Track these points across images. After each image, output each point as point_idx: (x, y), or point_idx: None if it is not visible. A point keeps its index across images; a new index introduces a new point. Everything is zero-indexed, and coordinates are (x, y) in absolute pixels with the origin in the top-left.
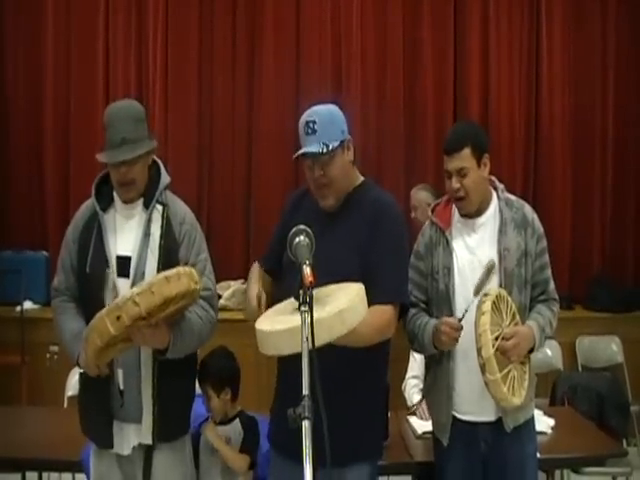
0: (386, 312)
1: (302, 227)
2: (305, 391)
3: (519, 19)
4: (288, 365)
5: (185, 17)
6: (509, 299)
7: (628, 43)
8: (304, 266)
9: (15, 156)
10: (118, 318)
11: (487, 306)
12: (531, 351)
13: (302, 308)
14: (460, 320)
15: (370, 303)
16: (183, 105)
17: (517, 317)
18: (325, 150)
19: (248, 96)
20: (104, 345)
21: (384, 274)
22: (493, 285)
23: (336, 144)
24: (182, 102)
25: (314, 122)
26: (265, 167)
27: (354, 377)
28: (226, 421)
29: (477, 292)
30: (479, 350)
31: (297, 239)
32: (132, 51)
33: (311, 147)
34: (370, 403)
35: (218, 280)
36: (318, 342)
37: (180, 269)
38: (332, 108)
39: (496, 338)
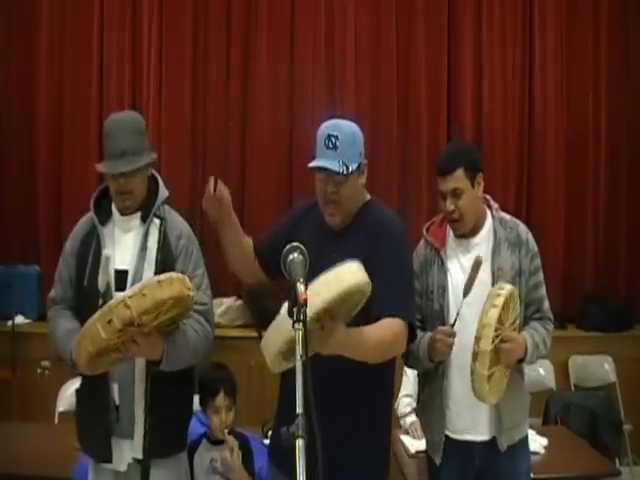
0: (395, 324)
1: (296, 244)
2: (299, 409)
3: (512, 31)
4: (289, 380)
5: (180, 17)
6: (517, 301)
7: (621, 53)
8: (298, 284)
9: (7, 170)
10: (109, 322)
11: (499, 301)
12: (520, 361)
13: (296, 326)
14: (452, 326)
15: (375, 318)
16: (177, 108)
17: (517, 322)
18: (344, 171)
19: (242, 100)
20: (96, 352)
21: (390, 291)
22: (485, 279)
23: (354, 166)
24: (176, 105)
25: (336, 137)
26: (259, 161)
27: (360, 401)
28: (221, 440)
29: (466, 293)
30: (478, 339)
31: (291, 256)
32: (126, 54)
33: (331, 164)
34: (377, 427)
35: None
36: (317, 304)
37: (173, 274)
38: (355, 128)
39: (496, 336)
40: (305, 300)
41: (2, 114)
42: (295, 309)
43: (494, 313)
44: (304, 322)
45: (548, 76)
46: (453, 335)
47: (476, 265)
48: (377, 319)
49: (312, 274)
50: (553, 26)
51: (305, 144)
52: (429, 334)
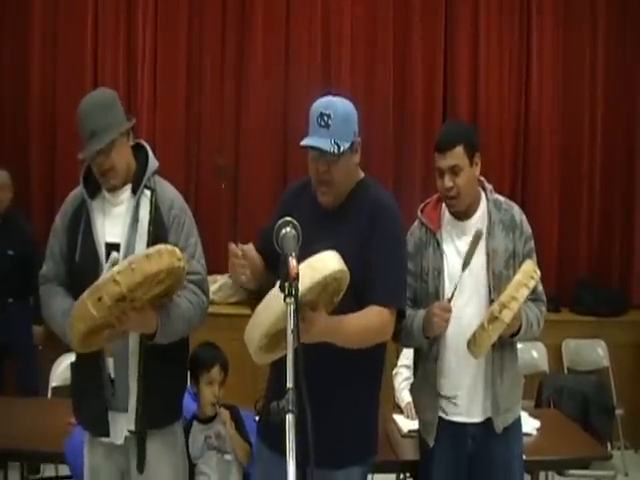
0: (381, 313)
1: (288, 219)
2: (289, 384)
3: (509, 30)
4: (280, 359)
5: (174, 16)
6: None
7: (617, 50)
8: (290, 258)
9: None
10: (99, 299)
11: (532, 285)
12: (512, 336)
13: (287, 300)
14: (450, 300)
15: (366, 304)
16: (171, 97)
17: None
18: (336, 151)
19: (236, 85)
20: (88, 330)
21: (381, 277)
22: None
23: (347, 145)
24: (170, 94)
25: (329, 116)
26: (252, 160)
27: (350, 380)
28: (212, 417)
29: (465, 266)
30: (503, 306)
31: (283, 230)
32: (120, 53)
33: (322, 143)
34: (365, 406)
35: None
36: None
37: (162, 247)
38: (349, 106)
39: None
40: (297, 274)
41: None
42: (287, 283)
43: (525, 293)
44: (295, 296)
45: (545, 64)
46: (450, 310)
47: (476, 238)
48: (366, 304)
49: (306, 253)
50: (550, 25)
51: (299, 143)
52: (422, 311)
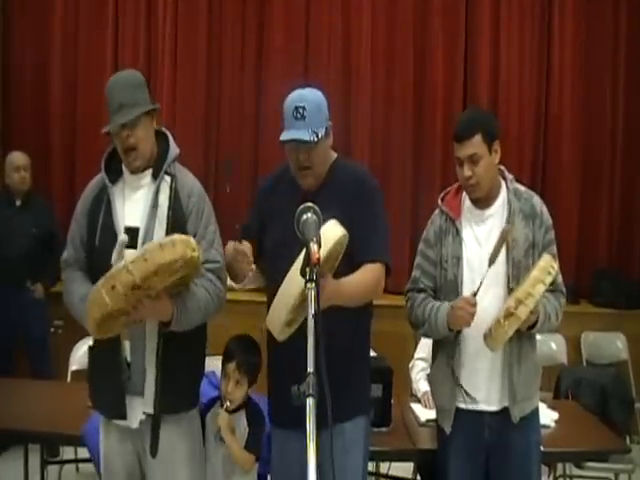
0: (375, 269)
1: (309, 204)
2: (310, 368)
3: (530, 18)
4: (281, 345)
5: (194, 4)
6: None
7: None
8: (311, 243)
9: (21, 138)
10: (113, 287)
11: (548, 280)
12: (530, 328)
13: (308, 285)
14: (475, 294)
15: (359, 263)
16: (191, 82)
17: None
18: (315, 139)
19: (256, 73)
20: (103, 317)
21: (371, 237)
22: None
23: (323, 132)
24: (190, 79)
25: (304, 108)
26: (271, 157)
27: (347, 337)
28: (234, 409)
29: (492, 262)
30: (519, 302)
31: (304, 216)
32: (141, 30)
33: (302, 134)
34: (362, 360)
35: None
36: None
37: (176, 237)
38: (319, 95)
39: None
40: (318, 259)
41: (16, 80)
42: (308, 269)
43: (541, 289)
44: (316, 281)
45: (566, 50)
46: (475, 304)
47: (503, 234)
48: (359, 265)
49: (295, 235)
50: (572, 10)
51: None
52: (447, 303)
